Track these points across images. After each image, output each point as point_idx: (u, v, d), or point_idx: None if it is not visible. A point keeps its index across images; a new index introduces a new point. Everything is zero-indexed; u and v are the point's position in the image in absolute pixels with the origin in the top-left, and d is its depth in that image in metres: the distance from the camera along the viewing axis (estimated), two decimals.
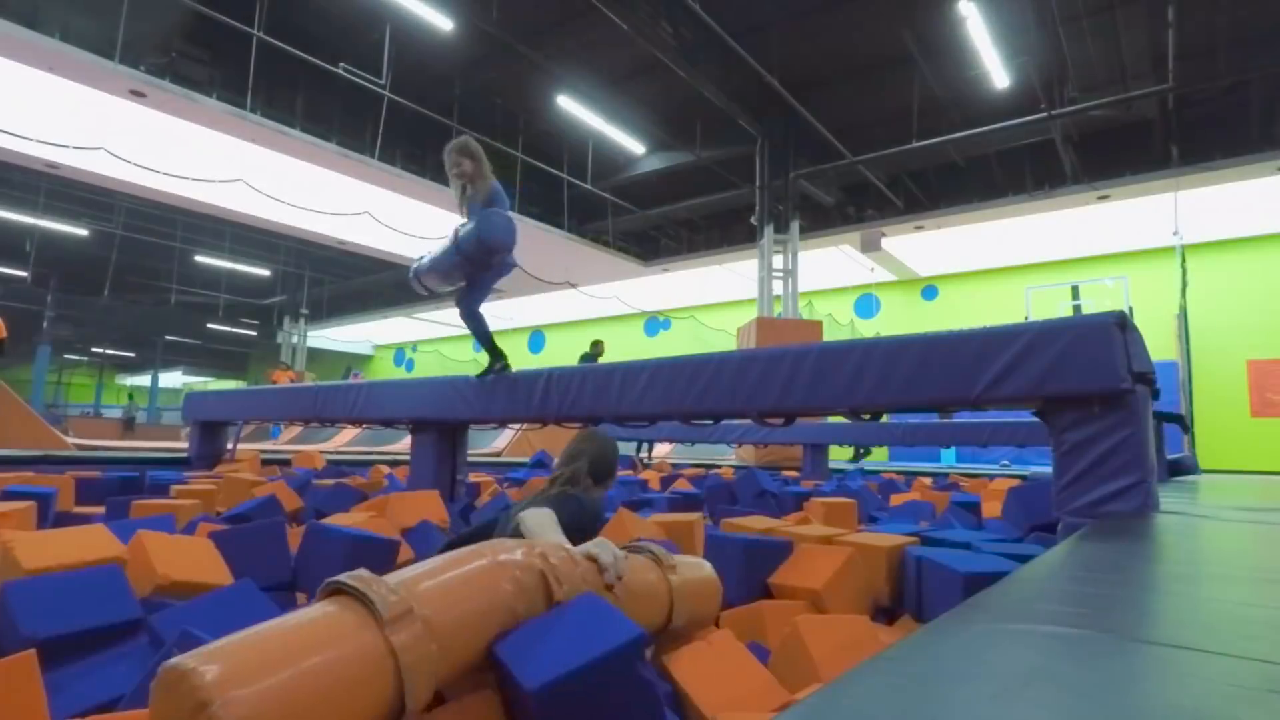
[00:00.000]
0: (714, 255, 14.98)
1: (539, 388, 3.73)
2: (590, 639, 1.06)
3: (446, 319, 20.77)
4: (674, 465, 9.01)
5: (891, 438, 8.14)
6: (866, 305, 16.47)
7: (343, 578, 0.97)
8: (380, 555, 2.23)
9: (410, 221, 12.57)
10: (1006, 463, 11.27)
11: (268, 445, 12.19)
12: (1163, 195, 10.56)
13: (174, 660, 0.79)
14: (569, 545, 1.36)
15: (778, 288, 11.86)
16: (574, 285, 16.13)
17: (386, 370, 26.51)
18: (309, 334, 23.24)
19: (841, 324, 15.57)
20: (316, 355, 24.00)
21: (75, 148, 9.64)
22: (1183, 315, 11.02)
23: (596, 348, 9.55)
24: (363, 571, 0.99)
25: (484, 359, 4.05)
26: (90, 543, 1.97)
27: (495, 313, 19.99)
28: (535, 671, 1.01)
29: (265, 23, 8.79)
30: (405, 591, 0.97)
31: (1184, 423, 7.33)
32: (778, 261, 11.89)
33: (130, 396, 24.72)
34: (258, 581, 1.81)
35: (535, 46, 9.74)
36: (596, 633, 1.08)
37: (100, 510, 3.26)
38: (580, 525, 1.70)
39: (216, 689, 0.75)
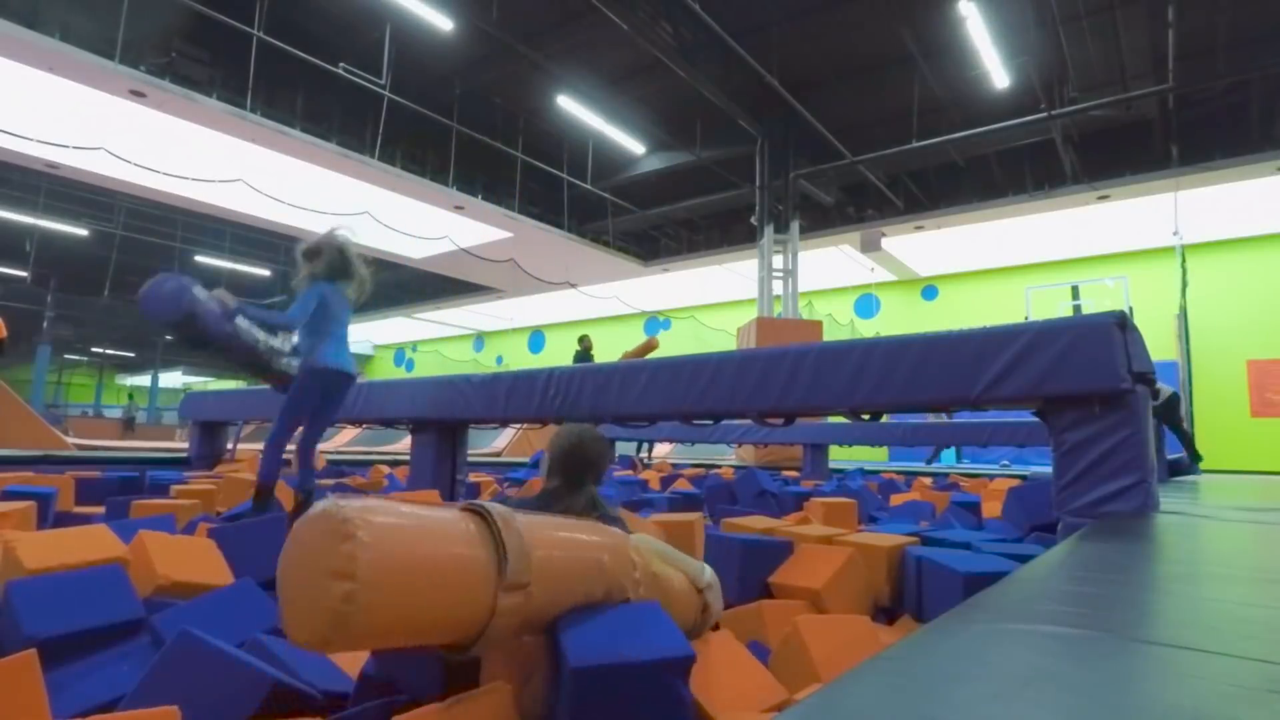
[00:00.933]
0: (714, 255, 14.97)
1: (539, 388, 3.74)
2: (646, 643, 1.13)
3: (446, 319, 20.81)
4: (674, 465, 9.02)
5: (892, 438, 8.14)
6: (866, 305, 16.47)
7: (496, 517, 1.04)
8: None
9: (410, 222, 12.56)
10: (1006, 463, 11.27)
11: None
12: (1163, 195, 10.55)
13: (329, 505, 0.89)
14: (681, 566, 1.55)
15: (778, 288, 11.85)
16: (574, 285, 16.12)
17: (386, 370, 26.48)
18: None
19: (841, 324, 15.57)
20: None
21: (75, 148, 9.63)
22: (1183, 315, 11.02)
23: (585, 342, 9.54)
24: (505, 511, 1.07)
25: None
26: (92, 543, 1.97)
27: (495, 313, 19.94)
28: (585, 653, 1.08)
29: (265, 23, 8.78)
30: (535, 565, 1.06)
31: (1196, 454, 7.14)
32: (778, 261, 11.88)
33: (130, 396, 24.73)
34: (259, 577, 1.81)
35: (535, 46, 9.73)
36: (653, 640, 1.15)
37: (100, 510, 3.27)
38: None
39: (365, 535, 0.85)
